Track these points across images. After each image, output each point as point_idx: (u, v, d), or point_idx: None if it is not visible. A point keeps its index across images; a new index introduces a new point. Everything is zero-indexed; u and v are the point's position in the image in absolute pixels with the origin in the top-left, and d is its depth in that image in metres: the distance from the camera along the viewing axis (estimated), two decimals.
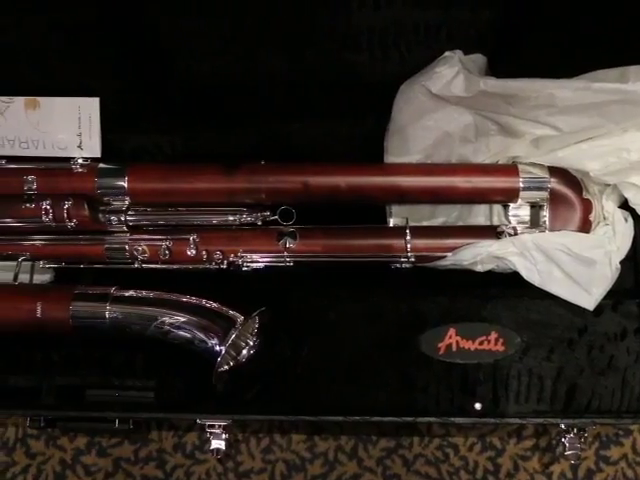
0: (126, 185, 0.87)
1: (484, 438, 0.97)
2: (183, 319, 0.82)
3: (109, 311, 0.83)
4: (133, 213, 0.89)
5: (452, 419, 0.81)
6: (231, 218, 0.88)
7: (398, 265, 0.88)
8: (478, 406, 0.83)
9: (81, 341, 0.86)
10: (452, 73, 0.82)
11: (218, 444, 0.85)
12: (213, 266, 0.88)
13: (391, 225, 0.90)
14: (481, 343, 0.84)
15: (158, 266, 0.89)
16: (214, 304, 0.83)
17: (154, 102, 0.92)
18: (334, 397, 0.84)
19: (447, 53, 0.84)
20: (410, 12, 0.81)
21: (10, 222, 0.87)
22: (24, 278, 0.91)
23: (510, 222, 0.89)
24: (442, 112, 0.86)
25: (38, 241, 0.89)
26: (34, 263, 0.91)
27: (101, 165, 0.88)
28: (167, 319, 0.83)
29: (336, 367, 0.84)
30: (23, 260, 0.90)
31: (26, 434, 1.00)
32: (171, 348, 0.83)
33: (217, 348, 0.80)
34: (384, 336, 0.85)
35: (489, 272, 0.87)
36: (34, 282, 0.91)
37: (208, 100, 0.91)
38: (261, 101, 0.91)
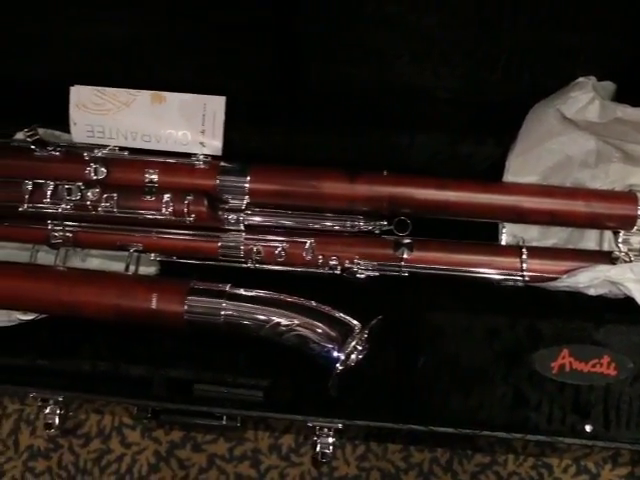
0: (247, 185, 0.88)
1: (579, 461, 0.98)
2: (300, 322, 0.82)
3: (224, 308, 0.83)
4: (250, 212, 0.90)
5: (562, 439, 0.83)
6: (349, 225, 0.90)
7: (511, 283, 0.89)
8: (588, 428, 0.83)
9: (192, 335, 0.87)
10: (587, 99, 0.84)
11: (325, 448, 0.86)
12: (327, 271, 0.89)
13: (503, 243, 0.92)
14: (594, 366, 0.85)
15: (271, 267, 0.90)
16: (331, 309, 0.84)
17: (280, 103, 0.94)
18: (445, 408, 0.84)
19: (581, 79, 0.85)
20: (555, 35, 0.82)
21: (128, 213, 0.88)
22: (131, 269, 0.92)
23: (620, 248, 0.91)
24: (568, 136, 0.87)
25: (153, 233, 0.91)
26: (140, 255, 0.92)
27: (223, 163, 0.89)
28: (283, 321, 0.83)
29: (449, 379, 0.85)
30: (135, 251, 0.92)
31: (122, 423, 1.01)
32: (281, 348, 0.83)
33: (334, 354, 0.81)
34: (498, 351, 0.86)
35: (599, 296, 0.87)
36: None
37: (334, 106, 0.92)
38: (386, 111, 0.92)
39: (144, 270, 0.93)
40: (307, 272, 0.89)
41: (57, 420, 0.88)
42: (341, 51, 0.86)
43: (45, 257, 0.94)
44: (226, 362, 0.88)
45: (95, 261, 0.95)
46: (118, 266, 0.93)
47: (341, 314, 0.83)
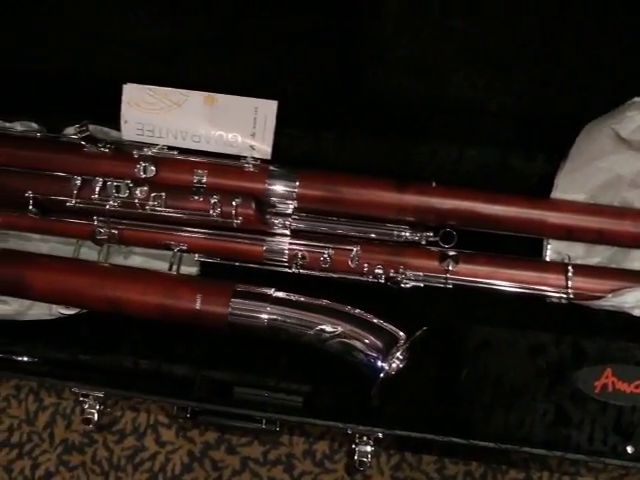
0: (296, 190, 0.88)
1: None
2: (344, 329, 0.82)
3: (269, 312, 0.83)
4: (296, 217, 0.90)
5: (604, 459, 0.82)
6: (395, 234, 0.90)
7: (554, 300, 0.89)
8: (630, 449, 0.83)
9: (233, 338, 0.87)
10: None
11: (362, 456, 0.86)
12: (371, 279, 0.89)
13: (547, 259, 0.92)
14: (637, 387, 0.84)
15: (315, 273, 0.90)
16: (374, 317, 0.84)
17: (332, 110, 0.94)
18: (486, 422, 0.84)
19: (637, 98, 0.85)
20: (612, 54, 0.81)
21: (175, 213, 0.88)
22: (173, 269, 0.92)
23: None
24: (619, 155, 0.87)
25: (198, 234, 0.91)
26: (182, 255, 0.92)
27: (273, 167, 0.89)
28: (327, 327, 0.82)
29: (491, 393, 0.85)
30: (179, 251, 0.92)
31: (157, 422, 1.01)
32: (322, 354, 0.83)
33: (377, 363, 0.80)
34: (541, 368, 0.85)
35: None
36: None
37: (385, 114, 0.93)
38: (437, 122, 0.93)
39: (185, 270, 0.93)
40: (346, 279, 0.89)
41: (96, 416, 0.89)
42: (397, 61, 0.85)
43: (88, 253, 0.95)
44: (267, 366, 0.89)
45: (138, 259, 0.95)
46: (160, 265, 0.93)
47: (386, 323, 0.83)
